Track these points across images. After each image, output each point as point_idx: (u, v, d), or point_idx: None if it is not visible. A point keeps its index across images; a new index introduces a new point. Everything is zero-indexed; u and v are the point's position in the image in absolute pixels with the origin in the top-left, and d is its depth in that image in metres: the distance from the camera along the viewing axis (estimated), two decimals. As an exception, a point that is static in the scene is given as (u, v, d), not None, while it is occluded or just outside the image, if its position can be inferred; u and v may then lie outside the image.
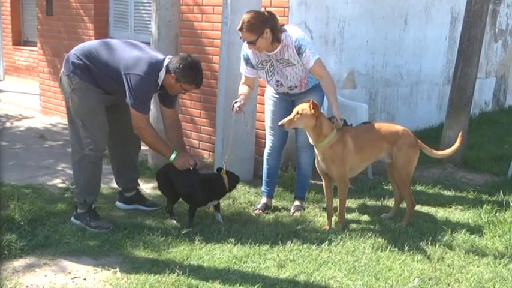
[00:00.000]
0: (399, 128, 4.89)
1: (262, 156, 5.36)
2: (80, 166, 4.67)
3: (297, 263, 4.05)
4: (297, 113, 4.49)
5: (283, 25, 4.80)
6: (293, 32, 4.77)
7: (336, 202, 4.82)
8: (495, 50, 10.10)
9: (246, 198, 5.44)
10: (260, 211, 5.13)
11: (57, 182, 5.84)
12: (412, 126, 7.61)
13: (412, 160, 4.81)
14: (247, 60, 4.93)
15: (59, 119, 8.80)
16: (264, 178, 5.31)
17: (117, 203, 5.18)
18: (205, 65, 6.81)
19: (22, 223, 4.54)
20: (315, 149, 4.64)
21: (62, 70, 4.69)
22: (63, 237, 4.41)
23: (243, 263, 4.05)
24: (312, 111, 4.45)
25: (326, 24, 6.37)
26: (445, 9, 8.34)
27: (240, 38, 4.73)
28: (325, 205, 4.92)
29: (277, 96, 5.10)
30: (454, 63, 6.98)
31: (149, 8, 6.70)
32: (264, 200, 5.28)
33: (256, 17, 4.65)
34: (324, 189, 4.81)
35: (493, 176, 6.33)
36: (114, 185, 5.83)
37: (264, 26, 4.61)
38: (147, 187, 5.79)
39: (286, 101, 5.07)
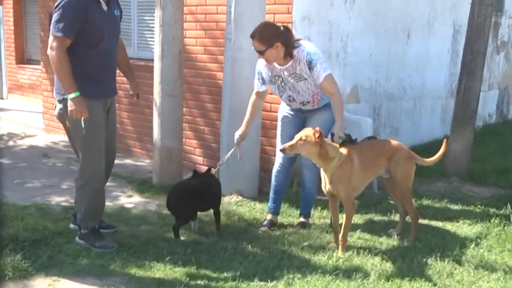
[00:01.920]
0: (394, 143, 4.90)
1: (267, 172, 5.33)
2: (83, 193, 4.59)
3: (305, 280, 4.00)
4: (300, 139, 4.37)
5: (298, 40, 4.79)
6: (306, 46, 4.76)
7: (342, 218, 4.78)
8: (497, 62, 10.11)
9: (252, 215, 5.40)
10: (266, 228, 5.09)
11: (61, 200, 5.80)
12: (416, 140, 7.64)
13: (410, 173, 4.80)
14: (260, 75, 4.95)
15: (62, 137, 8.76)
16: (271, 195, 5.27)
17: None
18: (209, 81, 6.84)
19: (26, 243, 4.49)
20: (322, 172, 4.57)
21: (56, 98, 4.53)
22: (68, 257, 4.36)
23: (251, 281, 3.99)
24: (317, 139, 4.34)
25: (329, 39, 6.37)
26: (447, 23, 8.36)
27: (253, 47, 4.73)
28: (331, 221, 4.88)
29: (291, 113, 5.07)
30: (456, 76, 6.98)
31: (152, 25, 6.70)
32: (269, 216, 5.23)
33: (269, 28, 4.69)
34: (330, 208, 4.76)
35: (499, 188, 6.29)
36: (119, 201, 5.84)
37: (275, 39, 4.62)
38: (153, 204, 5.75)
39: (299, 118, 5.04)
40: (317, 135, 4.34)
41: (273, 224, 5.16)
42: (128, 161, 7.67)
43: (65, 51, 4.26)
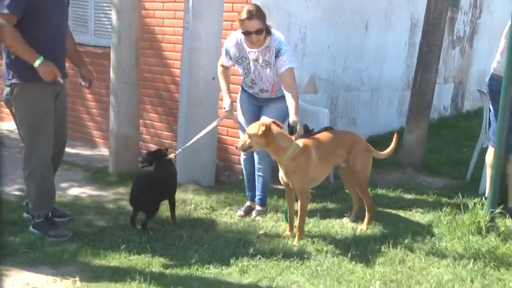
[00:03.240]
0: (354, 134, 5.00)
1: (224, 161, 5.33)
2: (30, 182, 4.53)
3: (260, 268, 4.03)
4: (248, 136, 4.42)
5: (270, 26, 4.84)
6: (278, 35, 4.83)
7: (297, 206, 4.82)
8: (453, 56, 10.30)
9: (208, 204, 5.39)
10: (242, 213, 5.16)
11: (15, 189, 5.70)
12: (373, 131, 7.73)
13: (369, 164, 4.90)
14: (227, 53, 4.98)
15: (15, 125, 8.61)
16: (245, 183, 5.33)
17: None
18: (166, 70, 6.80)
19: (-22, 232, 4.43)
20: (278, 164, 4.58)
21: (4, 83, 4.42)
22: (21, 246, 4.30)
23: (205, 269, 4.01)
24: (262, 132, 4.33)
25: (288, 29, 6.39)
26: (405, 16, 8.47)
27: (243, 30, 4.72)
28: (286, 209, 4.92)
29: (247, 100, 5.12)
30: (413, 68, 7.09)
31: (110, 12, 6.62)
32: (248, 203, 5.30)
33: (259, 7, 4.76)
34: (286, 197, 4.81)
35: (453, 179, 6.43)
36: (74, 190, 5.77)
37: (265, 19, 4.72)
38: (108, 193, 5.71)
39: (256, 106, 5.09)
40: (262, 129, 4.33)
41: (250, 211, 5.22)
42: (84, 150, 7.58)
43: (13, 26, 4.16)
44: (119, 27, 6.07)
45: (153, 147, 7.00)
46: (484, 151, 5.91)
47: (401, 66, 8.68)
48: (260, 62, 4.82)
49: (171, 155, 4.93)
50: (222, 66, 5.10)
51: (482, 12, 11.01)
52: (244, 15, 4.66)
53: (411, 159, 6.69)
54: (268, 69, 4.82)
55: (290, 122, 4.60)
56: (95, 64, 7.52)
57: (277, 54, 4.72)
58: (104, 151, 7.39)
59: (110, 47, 6.35)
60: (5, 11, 4.12)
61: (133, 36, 6.12)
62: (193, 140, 5.06)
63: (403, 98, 8.64)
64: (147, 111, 7.07)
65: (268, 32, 4.76)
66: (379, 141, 6.37)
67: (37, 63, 4.21)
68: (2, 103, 8.49)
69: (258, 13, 4.67)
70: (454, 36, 10.19)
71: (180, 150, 5.08)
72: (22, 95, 4.32)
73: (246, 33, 4.71)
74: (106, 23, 7.43)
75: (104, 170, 6.41)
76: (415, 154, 6.72)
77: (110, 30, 6.64)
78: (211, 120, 5.69)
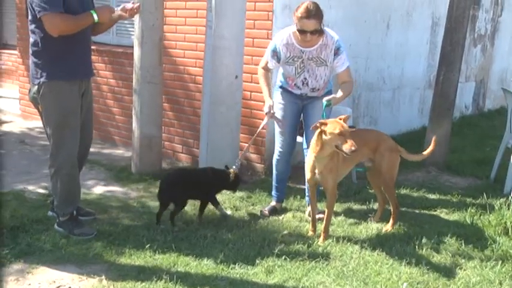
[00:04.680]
0: (380, 133, 4.96)
1: (246, 161, 5.31)
2: (56, 180, 4.54)
3: (285, 268, 4.02)
4: (341, 134, 4.22)
5: None
6: (332, 33, 4.78)
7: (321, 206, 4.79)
8: (474, 54, 10.22)
9: (231, 203, 5.39)
10: (266, 212, 5.15)
11: (39, 187, 5.74)
12: (394, 130, 7.69)
13: (395, 164, 4.85)
14: (276, 53, 4.84)
15: (39, 124, 8.63)
16: (273, 183, 5.30)
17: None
18: (189, 69, 6.81)
19: (4, 231, 4.44)
20: (310, 162, 4.52)
21: (32, 82, 4.44)
22: (47, 244, 4.33)
23: (231, 269, 4.01)
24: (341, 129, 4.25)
25: (310, 28, 6.36)
26: (426, 14, 8.42)
27: (299, 28, 4.62)
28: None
29: (287, 100, 5.03)
30: (434, 67, 7.05)
31: (132, 12, 6.62)
32: (273, 203, 5.29)
33: (318, 6, 4.62)
34: (310, 197, 4.80)
35: (476, 179, 6.38)
36: (98, 189, 5.80)
37: (323, 16, 4.65)
38: (132, 192, 5.73)
39: (297, 105, 5.04)
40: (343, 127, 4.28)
41: (274, 211, 5.21)
42: (108, 149, 7.62)
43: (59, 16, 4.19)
44: (142, 27, 6.07)
45: (175, 146, 7.03)
46: (508, 151, 5.86)
47: (422, 65, 8.63)
48: (315, 60, 4.75)
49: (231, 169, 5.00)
50: (265, 68, 4.97)
51: (503, 10, 10.91)
52: (303, 13, 4.55)
53: (434, 159, 6.62)
54: (323, 67, 4.77)
55: (325, 98, 4.59)
56: (116, 63, 7.56)
57: (337, 52, 4.71)
58: (125, 150, 7.42)
59: (130, 47, 6.37)
60: (49, 11, 4.14)
61: (156, 36, 6.13)
62: (247, 147, 5.22)
63: (425, 97, 8.60)
64: (169, 111, 7.08)
65: (321, 31, 4.67)
66: (400, 140, 6.30)
67: (95, 17, 4.28)
68: (26, 102, 8.56)
69: (317, 13, 4.56)
70: (475, 34, 10.11)
71: (238, 162, 5.07)
72: (49, 93, 4.35)
73: (301, 32, 4.62)
74: (128, 22, 7.45)
75: (127, 169, 6.43)
76: (438, 154, 6.65)
77: (131, 29, 6.65)
78: (234, 120, 5.71)
